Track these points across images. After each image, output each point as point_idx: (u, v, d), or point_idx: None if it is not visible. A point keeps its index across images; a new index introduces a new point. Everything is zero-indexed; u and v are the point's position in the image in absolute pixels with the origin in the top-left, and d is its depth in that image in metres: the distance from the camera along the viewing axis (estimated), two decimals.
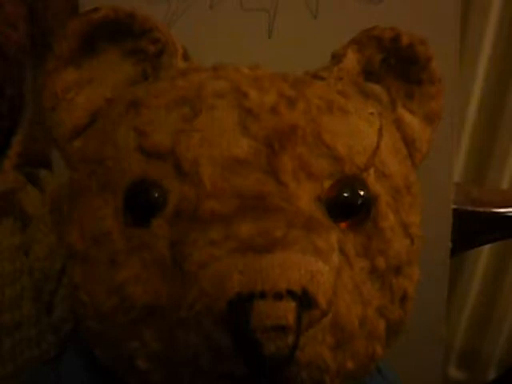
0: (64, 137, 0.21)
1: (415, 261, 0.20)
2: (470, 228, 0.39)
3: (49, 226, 0.27)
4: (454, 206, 0.35)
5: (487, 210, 0.39)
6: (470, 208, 0.39)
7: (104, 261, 0.18)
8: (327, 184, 0.18)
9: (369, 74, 0.24)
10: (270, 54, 0.30)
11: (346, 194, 0.18)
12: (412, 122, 0.24)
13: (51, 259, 0.27)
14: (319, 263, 0.16)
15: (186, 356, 0.16)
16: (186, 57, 0.22)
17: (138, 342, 0.17)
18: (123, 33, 0.22)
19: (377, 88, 0.24)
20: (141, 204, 0.18)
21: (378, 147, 0.20)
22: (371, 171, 0.19)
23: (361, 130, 0.20)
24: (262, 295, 0.15)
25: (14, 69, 0.26)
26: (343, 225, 0.18)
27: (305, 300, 0.15)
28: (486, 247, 0.55)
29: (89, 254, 0.18)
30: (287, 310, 0.14)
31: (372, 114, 0.21)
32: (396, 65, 0.24)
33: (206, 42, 0.30)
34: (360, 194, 0.18)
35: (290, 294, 0.15)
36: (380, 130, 0.20)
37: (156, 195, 0.17)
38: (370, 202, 0.19)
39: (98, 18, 0.21)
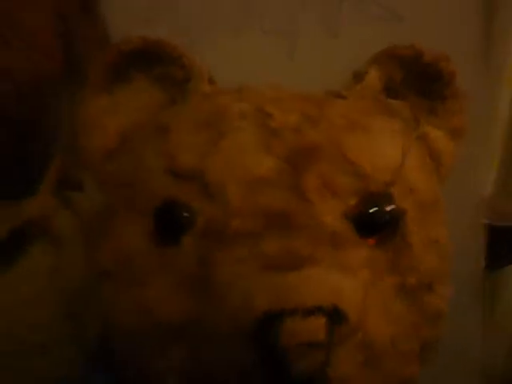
0: (96, 160, 0.22)
1: (446, 277, 0.20)
2: (505, 244, 0.38)
3: (80, 248, 0.28)
4: (485, 221, 0.34)
5: None
6: (503, 223, 0.38)
7: (132, 279, 0.18)
8: (353, 201, 0.18)
9: (390, 91, 0.24)
10: (292, 75, 0.31)
11: (372, 211, 0.18)
12: (436, 136, 0.24)
13: (83, 280, 0.28)
14: (347, 280, 0.15)
15: (213, 375, 0.16)
16: (211, 81, 0.23)
17: (166, 361, 0.17)
18: (152, 60, 0.23)
19: (399, 105, 0.24)
20: (170, 223, 0.18)
21: (402, 163, 0.20)
22: (397, 187, 0.19)
23: (384, 147, 0.20)
24: (292, 313, 0.14)
25: (50, 97, 0.28)
26: (371, 241, 0.18)
27: (335, 315, 0.15)
28: None
29: (118, 273, 0.19)
30: (318, 326, 0.14)
31: (395, 131, 0.21)
32: (418, 81, 0.24)
33: (229, 66, 0.31)
34: (386, 210, 0.18)
35: (320, 310, 0.15)
36: (404, 147, 0.20)
37: (185, 215, 0.18)
38: (396, 218, 0.18)
39: (130, 47, 0.22)
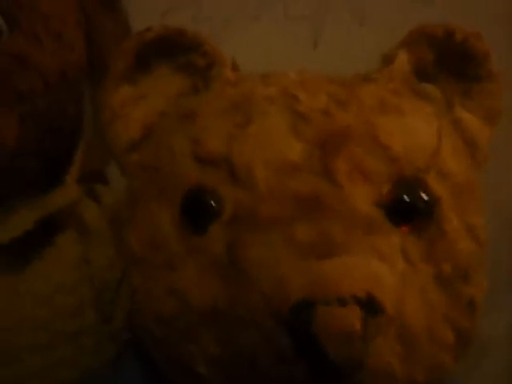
0: (122, 149, 0.22)
1: (482, 267, 0.19)
2: None
3: (107, 238, 0.29)
4: None
5: None
6: None
7: (162, 265, 0.18)
8: (385, 186, 0.17)
9: (422, 74, 0.23)
10: (316, 63, 0.30)
11: (406, 197, 0.17)
12: (471, 121, 0.23)
13: (110, 269, 0.28)
14: (383, 267, 0.15)
15: (245, 358, 0.16)
16: (234, 67, 0.23)
17: (196, 346, 0.17)
18: (174, 49, 0.22)
19: (431, 88, 0.23)
20: (197, 212, 0.18)
21: (438, 147, 0.19)
22: (432, 172, 0.18)
23: (418, 130, 0.19)
24: (326, 302, 0.14)
25: (74, 89, 0.28)
26: (405, 229, 0.17)
27: (371, 306, 0.14)
28: None
29: (147, 259, 0.19)
30: (353, 316, 0.14)
31: (429, 113, 0.20)
32: (450, 63, 0.23)
33: (252, 53, 0.30)
34: (421, 197, 0.18)
35: (355, 299, 0.14)
36: (439, 130, 0.19)
37: (212, 203, 0.18)
38: (432, 205, 0.18)
39: (151, 36, 0.22)
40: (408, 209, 0.17)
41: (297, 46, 0.32)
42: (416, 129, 0.19)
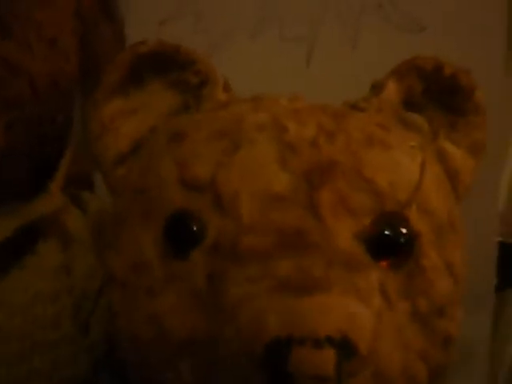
0: (109, 164, 0.22)
1: (458, 301, 0.19)
2: None
3: (89, 246, 0.28)
4: (499, 239, 0.33)
5: None
6: None
7: (143, 290, 0.18)
8: (367, 220, 0.17)
9: (409, 104, 0.23)
10: (309, 83, 0.30)
11: (387, 232, 0.18)
12: (455, 153, 0.23)
13: (91, 279, 0.28)
14: (360, 306, 0.15)
15: None
16: (226, 88, 0.23)
17: (173, 373, 0.17)
18: (168, 64, 0.22)
19: (418, 118, 0.23)
20: (180, 236, 0.18)
21: (420, 182, 0.19)
22: (413, 207, 0.18)
23: (402, 164, 0.19)
24: (301, 341, 0.14)
25: (66, 98, 0.28)
26: (384, 264, 0.17)
27: (345, 348, 0.14)
28: None
29: (128, 281, 0.19)
30: (327, 359, 0.14)
31: (414, 147, 0.21)
32: (438, 95, 0.23)
33: (245, 71, 0.30)
34: (402, 232, 0.18)
35: (330, 341, 0.14)
36: (422, 164, 0.20)
37: (195, 228, 0.17)
38: (412, 240, 0.18)
39: (145, 50, 0.22)
40: (389, 243, 0.18)
41: (290, 65, 0.33)
42: (400, 163, 0.19)
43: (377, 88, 0.23)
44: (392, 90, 0.23)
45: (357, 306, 0.15)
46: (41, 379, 0.26)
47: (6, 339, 0.26)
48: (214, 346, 0.16)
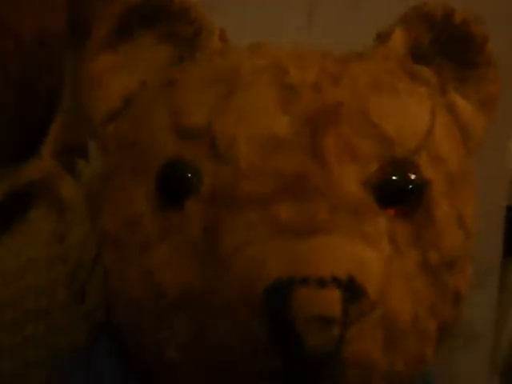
0: (99, 120, 0.21)
1: (469, 257, 0.19)
2: None
3: (84, 214, 0.27)
4: (507, 204, 0.32)
5: None
6: None
7: (136, 245, 0.17)
8: (374, 167, 0.16)
9: (417, 55, 0.22)
10: (310, 41, 0.29)
11: (395, 178, 0.17)
12: (465, 107, 0.22)
13: (85, 247, 0.27)
14: (367, 250, 0.14)
15: (217, 347, 0.15)
16: (223, 38, 0.21)
17: (168, 332, 0.16)
18: (159, 16, 0.21)
19: (426, 70, 0.22)
20: (174, 185, 0.17)
21: (430, 129, 0.18)
22: (423, 154, 0.17)
23: (412, 110, 0.18)
24: (304, 281, 0.13)
25: (54, 56, 0.27)
26: (392, 211, 0.16)
27: (352, 289, 0.13)
28: None
29: (121, 239, 0.18)
30: (332, 299, 0.13)
31: (423, 94, 0.19)
32: (448, 45, 0.22)
33: (243, 29, 0.29)
34: (411, 179, 0.17)
35: (335, 281, 0.13)
36: (433, 111, 0.19)
37: (189, 176, 0.17)
38: (421, 188, 0.17)
39: (135, 1, 0.21)
40: (397, 191, 0.17)
41: (291, 23, 0.31)
42: (409, 109, 0.18)
43: (382, 37, 0.21)
44: (399, 40, 0.21)
45: (364, 249, 0.14)
46: (37, 347, 0.26)
47: None
48: (210, 299, 0.15)
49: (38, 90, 0.27)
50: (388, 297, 0.15)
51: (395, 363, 0.15)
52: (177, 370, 0.17)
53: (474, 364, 0.36)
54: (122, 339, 0.19)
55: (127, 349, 0.19)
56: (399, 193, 0.17)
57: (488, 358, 0.36)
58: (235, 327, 0.15)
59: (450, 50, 0.22)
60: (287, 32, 0.31)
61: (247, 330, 0.14)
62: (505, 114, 0.30)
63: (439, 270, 0.17)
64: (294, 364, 0.14)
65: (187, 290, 0.16)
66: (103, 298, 0.24)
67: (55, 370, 0.25)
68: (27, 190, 0.27)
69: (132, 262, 0.17)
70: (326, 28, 0.31)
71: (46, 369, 0.25)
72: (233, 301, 0.14)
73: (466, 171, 0.19)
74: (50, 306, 0.26)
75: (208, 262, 0.15)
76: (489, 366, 0.37)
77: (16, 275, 0.26)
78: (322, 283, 0.13)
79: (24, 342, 0.26)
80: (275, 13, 0.31)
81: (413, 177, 0.17)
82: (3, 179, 0.26)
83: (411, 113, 0.18)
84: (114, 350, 0.21)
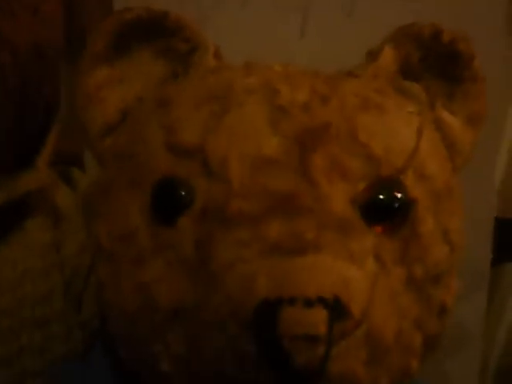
0: (95, 134, 0.21)
1: (454, 270, 0.19)
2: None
3: (80, 224, 0.28)
4: (496, 215, 0.33)
5: None
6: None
7: (129, 259, 0.18)
8: (362, 185, 0.17)
9: (406, 72, 0.22)
10: (303, 53, 0.30)
11: (381, 197, 0.17)
12: (453, 123, 0.22)
13: (81, 256, 0.27)
14: (353, 269, 0.15)
15: (209, 361, 0.16)
16: (217, 55, 0.22)
17: (161, 345, 0.17)
18: (155, 32, 0.22)
19: (415, 86, 0.22)
20: (167, 202, 0.17)
21: (417, 147, 0.18)
22: (409, 173, 0.18)
23: (399, 129, 0.19)
24: (291, 301, 0.14)
25: (51, 67, 0.27)
26: (378, 229, 0.17)
27: (337, 309, 0.14)
28: None
29: (115, 252, 0.18)
30: (318, 319, 0.14)
31: (411, 112, 0.20)
32: (436, 63, 0.22)
33: (237, 41, 0.29)
34: (397, 197, 0.17)
35: (321, 301, 0.14)
36: (419, 130, 0.19)
37: (183, 194, 0.17)
38: (407, 206, 0.17)
39: (131, 17, 0.21)
40: (383, 209, 0.17)
41: (283, 35, 0.31)
42: (396, 128, 0.19)
43: (372, 55, 0.22)
44: (388, 57, 0.22)
45: (349, 269, 0.15)
46: (33, 355, 0.26)
47: None
48: (202, 314, 0.15)
49: (36, 100, 0.27)
50: (372, 314, 0.15)
51: (379, 379, 0.16)
52: (170, 381, 0.17)
53: (464, 368, 0.36)
54: (117, 349, 0.20)
55: (121, 358, 0.20)
56: (386, 211, 0.17)
57: (478, 363, 0.37)
58: (226, 342, 0.15)
59: (438, 67, 0.22)
60: (280, 40, 0.31)
61: (238, 344, 0.15)
62: (492, 127, 0.31)
63: (425, 285, 0.18)
64: (281, 379, 0.15)
65: (180, 304, 0.16)
66: (98, 308, 0.25)
67: (50, 378, 0.25)
68: (24, 200, 0.27)
69: (126, 275, 0.18)
70: (319, 34, 0.32)
71: (41, 377, 0.26)
72: (224, 317, 0.15)
73: (452, 186, 0.20)
74: (46, 315, 0.26)
75: (200, 278, 0.16)
76: (479, 370, 0.37)
77: (12, 284, 0.26)
78: (308, 303, 0.14)
79: (20, 351, 0.26)
80: (268, 20, 0.32)
81: (399, 195, 0.17)
82: (1, 188, 0.26)
83: (398, 132, 0.19)
84: (109, 358, 0.21)
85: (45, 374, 0.25)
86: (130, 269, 0.18)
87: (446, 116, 0.22)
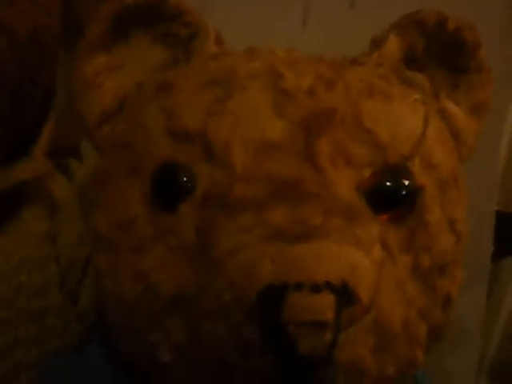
0: (93, 121, 0.21)
1: (460, 261, 0.19)
2: None
3: (76, 214, 0.27)
4: (497, 208, 0.33)
5: None
6: None
7: (129, 247, 0.17)
8: (368, 172, 0.17)
9: (411, 61, 0.22)
10: (304, 43, 0.29)
11: (388, 184, 0.17)
12: (457, 113, 0.22)
13: (78, 248, 0.27)
14: (360, 255, 0.14)
15: (211, 349, 0.15)
16: (218, 41, 0.21)
17: (161, 334, 0.16)
18: (154, 17, 0.21)
19: (419, 76, 0.22)
20: (168, 188, 0.17)
21: (423, 135, 0.18)
22: (416, 160, 0.18)
23: (405, 116, 0.18)
24: (297, 287, 0.13)
25: (48, 56, 0.26)
26: (384, 217, 0.16)
27: (344, 294, 0.14)
28: None
29: (114, 240, 0.18)
30: (326, 304, 0.13)
31: (416, 100, 0.20)
32: (440, 52, 0.22)
33: (238, 29, 0.29)
34: (404, 184, 0.17)
35: (329, 286, 0.13)
36: (426, 117, 0.19)
37: (184, 179, 0.17)
38: (414, 193, 0.17)
39: (130, 2, 0.21)
40: (389, 196, 0.17)
41: (285, 24, 0.31)
42: (402, 115, 0.18)
43: (377, 43, 0.22)
44: (393, 46, 0.22)
45: (356, 255, 0.14)
46: (28, 348, 0.26)
47: None
48: (203, 302, 0.15)
49: (33, 89, 0.26)
50: (380, 302, 0.15)
51: (386, 367, 0.16)
52: (170, 372, 0.17)
53: (463, 363, 0.36)
54: (114, 340, 0.19)
55: (119, 350, 0.19)
56: (392, 198, 0.17)
57: (477, 357, 0.37)
58: (228, 330, 0.15)
59: (442, 56, 0.22)
60: (281, 32, 0.31)
61: (240, 333, 0.14)
62: (495, 118, 0.31)
63: (430, 275, 0.17)
64: (286, 367, 0.14)
65: (181, 292, 0.16)
66: (95, 299, 0.24)
67: (45, 370, 0.24)
68: (20, 190, 0.26)
69: (125, 264, 0.17)
70: (321, 24, 0.32)
71: (36, 369, 0.25)
72: (226, 304, 0.14)
73: (458, 176, 0.19)
74: (42, 307, 0.26)
75: (202, 265, 0.15)
76: (477, 365, 0.37)
77: (8, 275, 0.26)
78: (315, 288, 0.13)
79: (14, 343, 0.26)
80: (269, 12, 0.31)
81: (406, 182, 0.17)
82: None
83: (404, 119, 0.18)
84: (105, 350, 0.21)
85: (39, 365, 0.25)
86: (130, 257, 0.17)
87: (451, 106, 0.22)
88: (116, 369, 0.20)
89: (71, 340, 0.26)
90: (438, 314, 0.18)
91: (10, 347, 0.26)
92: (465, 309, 0.33)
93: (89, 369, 0.22)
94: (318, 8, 0.31)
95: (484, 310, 0.36)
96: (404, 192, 0.17)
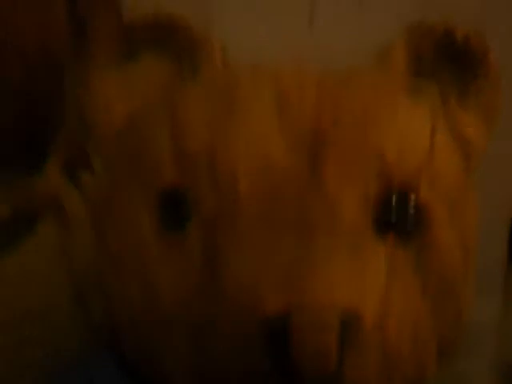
0: (101, 138, 0.21)
1: (470, 280, 0.19)
2: None
3: (89, 229, 0.28)
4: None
5: None
6: None
7: (138, 267, 0.18)
8: (373, 191, 0.16)
9: (418, 70, 0.22)
10: (311, 42, 0.29)
11: (394, 204, 0.17)
12: (467, 121, 0.22)
13: (90, 263, 0.27)
14: (366, 277, 0.14)
15: (216, 366, 0.15)
16: (224, 59, 0.22)
17: (173, 355, 0.17)
18: (162, 36, 0.21)
19: (427, 85, 0.22)
20: (174, 210, 0.17)
21: (431, 149, 0.18)
22: (423, 176, 0.17)
23: (412, 130, 0.18)
24: (301, 311, 0.13)
25: (56, 68, 0.27)
26: (391, 237, 0.16)
27: (350, 318, 0.14)
28: None
29: (123, 260, 0.18)
30: (330, 329, 0.13)
31: (423, 112, 0.19)
32: (448, 60, 0.22)
33: (246, 28, 0.29)
34: (411, 204, 0.17)
35: (334, 310, 0.13)
36: (432, 131, 0.19)
37: (190, 201, 0.17)
38: (421, 212, 0.17)
39: (139, 24, 0.21)
40: (396, 215, 0.17)
41: (292, 23, 0.31)
42: (409, 131, 0.18)
43: (384, 52, 0.21)
44: (400, 54, 0.21)
45: (362, 277, 0.14)
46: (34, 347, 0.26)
47: None
48: (210, 323, 0.15)
49: (41, 101, 0.27)
50: (386, 324, 0.15)
51: None
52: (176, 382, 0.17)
53: (478, 368, 0.36)
54: (126, 358, 0.19)
55: (127, 362, 0.20)
56: (399, 217, 0.17)
57: (493, 362, 0.36)
58: (237, 353, 0.15)
59: (450, 63, 0.22)
60: (288, 32, 0.30)
61: (245, 353, 0.14)
62: (509, 126, 0.30)
63: (440, 294, 0.17)
64: None
65: (189, 313, 0.16)
66: (104, 311, 0.25)
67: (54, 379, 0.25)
68: (33, 205, 0.27)
69: (134, 284, 0.18)
70: (328, 23, 0.31)
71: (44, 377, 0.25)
72: (231, 327, 0.15)
73: (467, 189, 0.19)
74: (56, 320, 0.26)
75: (208, 287, 0.16)
76: (493, 369, 0.37)
77: (21, 289, 0.26)
78: (321, 315, 0.13)
79: (21, 343, 0.26)
80: (276, 12, 0.31)
81: (413, 201, 0.17)
82: (9, 195, 0.26)
83: (411, 134, 0.18)
84: (116, 364, 0.21)
85: (51, 377, 0.25)
86: (139, 277, 0.17)
87: (460, 114, 0.22)
88: (125, 381, 0.21)
89: (83, 352, 0.27)
90: (450, 332, 0.17)
91: (14, 347, 0.26)
92: (480, 314, 0.33)
93: (98, 381, 0.22)
94: (325, 7, 0.30)
95: (500, 314, 0.35)
96: (411, 211, 0.17)
